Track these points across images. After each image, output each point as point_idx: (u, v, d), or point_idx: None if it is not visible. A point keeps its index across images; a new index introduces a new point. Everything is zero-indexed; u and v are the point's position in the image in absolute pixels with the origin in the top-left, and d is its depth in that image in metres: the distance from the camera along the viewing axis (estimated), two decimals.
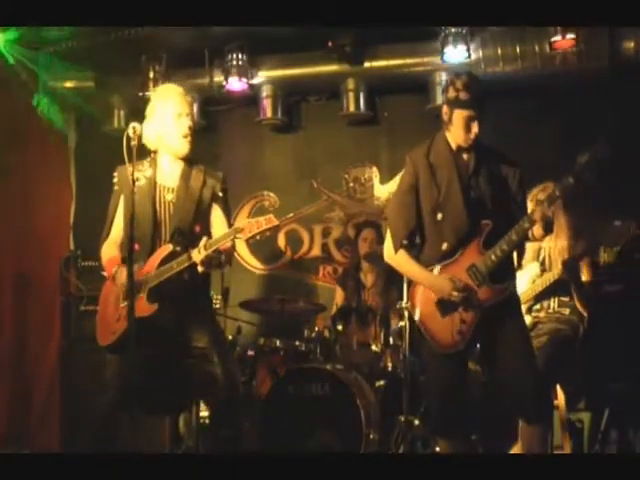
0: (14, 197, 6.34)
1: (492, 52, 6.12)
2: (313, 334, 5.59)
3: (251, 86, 6.59)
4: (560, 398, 4.76)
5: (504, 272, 3.74)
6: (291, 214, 7.02)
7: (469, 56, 6.11)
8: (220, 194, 4.07)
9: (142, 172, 4.03)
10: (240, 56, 6.43)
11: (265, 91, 6.73)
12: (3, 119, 6.06)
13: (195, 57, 6.60)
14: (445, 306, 3.69)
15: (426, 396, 4.05)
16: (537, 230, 3.70)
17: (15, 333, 6.32)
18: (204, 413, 5.77)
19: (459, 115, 3.66)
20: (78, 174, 7.22)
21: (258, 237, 3.75)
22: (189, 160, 4.09)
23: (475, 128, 3.66)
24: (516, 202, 3.79)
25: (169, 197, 4.01)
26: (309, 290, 6.84)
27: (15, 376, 6.29)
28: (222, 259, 3.90)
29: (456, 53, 6.08)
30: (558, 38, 5.82)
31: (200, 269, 3.80)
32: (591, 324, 4.99)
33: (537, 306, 4.80)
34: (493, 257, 3.65)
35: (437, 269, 3.75)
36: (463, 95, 3.63)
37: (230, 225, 4.00)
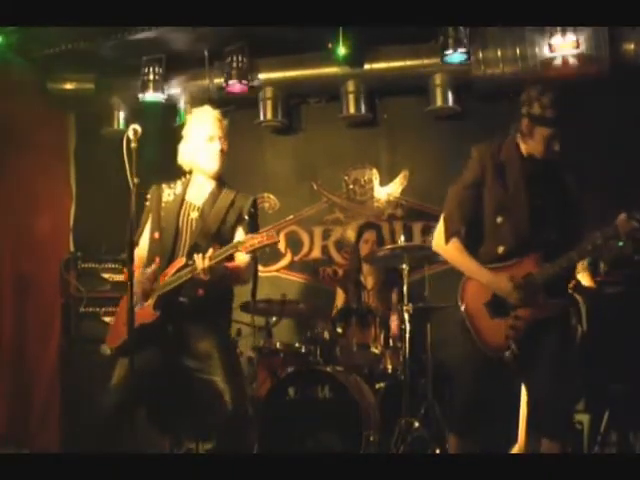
0: (14, 199, 6.34)
1: (492, 54, 6.12)
2: (313, 336, 5.60)
3: (251, 88, 6.59)
4: None
5: (559, 288, 3.69)
6: (291, 216, 7.02)
7: (469, 58, 6.11)
8: (246, 217, 4.07)
9: (173, 189, 4.16)
10: (240, 58, 6.43)
11: (265, 93, 6.73)
12: (3, 120, 6.05)
13: (195, 59, 6.61)
14: (496, 308, 3.64)
15: (459, 392, 3.99)
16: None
17: (15, 334, 6.32)
18: None
19: (542, 132, 3.59)
20: (78, 176, 7.22)
21: (258, 253, 3.87)
22: (222, 181, 4.16)
23: (557, 146, 3.59)
24: (579, 217, 3.73)
25: (193, 215, 4.07)
26: (309, 292, 6.84)
27: (15, 376, 6.28)
28: (229, 275, 3.98)
29: (456, 55, 6.09)
30: (558, 40, 5.82)
31: (203, 277, 3.83)
32: (591, 325, 4.99)
33: None
34: (551, 271, 3.57)
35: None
36: (549, 113, 3.55)
37: None
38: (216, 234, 4.02)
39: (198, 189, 4.14)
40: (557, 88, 3.63)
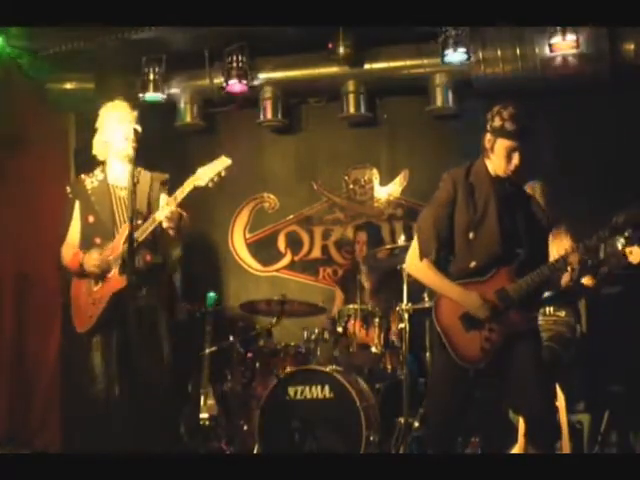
0: (15, 198, 6.34)
1: (492, 53, 6.13)
2: (313, 336, 5.60)
3: (251, 88, 6.60)
4: (560, 400, 4.75)
5: (533, 302, 3.81)
6: (291, 216, 7.03)
7: (469, 57, 6.11)
8: (166, 185, 4.44)
9: (94, 177, 4.44)
10: (240, 58, 6.44)
11: (265, 93, 6.74)
12: (3, 121, 6.05)
13: (195, 59, 6.61)
14: (470, 321, 3.70)
15: (430, 405, 4.06)
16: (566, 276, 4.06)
17: (15, 333, 6.31)
18: (204, 415, 5.78)
19: (502, 144, 3.68)
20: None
21: (216, 179, 4.10)
22: (135, 163, 4.27)
23: (516, 160, 3.68)
24: (546, 234, 3.90)
25: (122, 193, 4.33)
26: (309, 292, 6.83)
27: (15, 376, 6.28)
28: (184, 218, 4.25)
29: (456, 55, 6.09)
30: (558, 39, 5.83)
31: (165, 224, 4.13)
32: (591, 325, 4.99)
33: None
34: (524, 285, 3.68)
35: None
36: (509, 125, 3.64)
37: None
38: (147, 204, 4.32)
39: (118, 172, 4.38)
40: (519, 102, 3.72)
